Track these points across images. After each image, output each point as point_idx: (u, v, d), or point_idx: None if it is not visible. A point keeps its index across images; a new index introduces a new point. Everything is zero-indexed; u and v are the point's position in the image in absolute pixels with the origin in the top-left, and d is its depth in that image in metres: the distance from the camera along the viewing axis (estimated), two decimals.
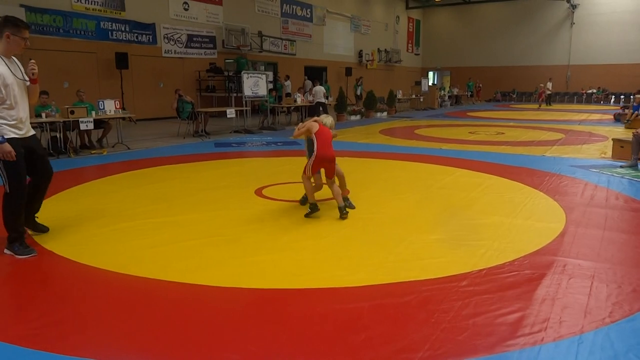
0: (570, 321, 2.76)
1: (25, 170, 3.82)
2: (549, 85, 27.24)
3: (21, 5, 13.04)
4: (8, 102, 3.66)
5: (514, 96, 32.67)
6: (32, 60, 3.81)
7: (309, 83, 21.93)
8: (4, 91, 3.63)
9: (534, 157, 8.82)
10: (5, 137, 3.62)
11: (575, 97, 30.64)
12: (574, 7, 30.54)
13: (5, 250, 3.85)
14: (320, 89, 16.09)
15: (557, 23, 31.80)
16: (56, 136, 8.94)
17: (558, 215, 4.98)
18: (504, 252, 3.88)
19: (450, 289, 3.19)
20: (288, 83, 20.00)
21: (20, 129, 3.77)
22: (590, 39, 30.52)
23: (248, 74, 13.91)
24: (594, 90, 30.07)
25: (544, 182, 6.55)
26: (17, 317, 2.86)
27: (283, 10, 22.89)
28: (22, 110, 3.80)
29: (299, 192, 4.97)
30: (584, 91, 30.33)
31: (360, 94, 21.60)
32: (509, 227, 4.58)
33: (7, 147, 3.61)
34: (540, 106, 24.91)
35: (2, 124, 3.64)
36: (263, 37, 21.28)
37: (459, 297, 3.07)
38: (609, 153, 8.88)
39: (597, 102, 29.46)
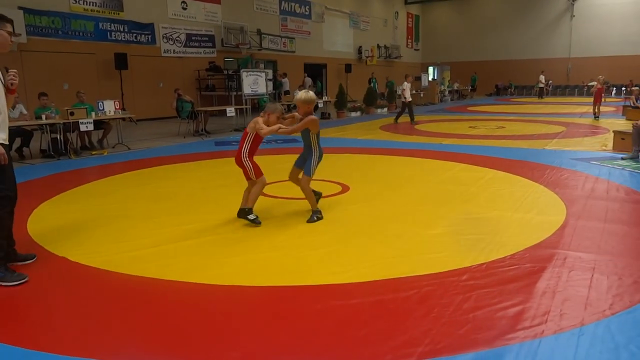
0: (570, 314, 2.76)
1: (13, 177, 3.49)
2: (542, 78, 27.03)
3: (19, 7, 13.04)
4: None
5: (512, 90, 32.59)
6: (14, 70, 3.46)
7: (308, 80, 21.88)
8: None
9: (534, 150, 8.80)
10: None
11: (576, 89, 30.53)
12: None
13: None
14: (407, 86, 14.15)
15: (556, 16, 31.74)
16: (56, 138, 8.94)
17: (559, 208, 4.97)
18: (504, 245, 3.87)
19: (450, 283, 3.19)
20: (285, 80, 19.99)
21: (5, 135, 3.43)
22: (591, 31, 30.43)
23: (247, 72, 13.90)
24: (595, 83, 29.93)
25: (545, 175, 6.54)
26: (17, 320, 2.88)
27: (282, 8, 22.86)
28: (6, 117, 3.47)
29: (296, 189, 4.95)
30: (585, 84, 30.21)
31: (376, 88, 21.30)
32: (510, 220, 4.57)
33: (1, 149, 3.32)
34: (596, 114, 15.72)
35: None
36: (262, 35, 21.25)
37: (460, 291, 3.07)
38: (610, 145, 8.85)
39: None
